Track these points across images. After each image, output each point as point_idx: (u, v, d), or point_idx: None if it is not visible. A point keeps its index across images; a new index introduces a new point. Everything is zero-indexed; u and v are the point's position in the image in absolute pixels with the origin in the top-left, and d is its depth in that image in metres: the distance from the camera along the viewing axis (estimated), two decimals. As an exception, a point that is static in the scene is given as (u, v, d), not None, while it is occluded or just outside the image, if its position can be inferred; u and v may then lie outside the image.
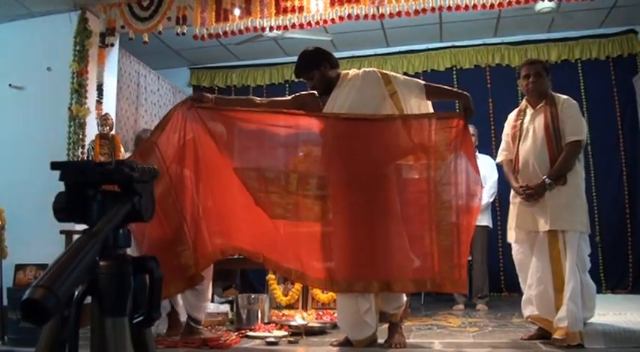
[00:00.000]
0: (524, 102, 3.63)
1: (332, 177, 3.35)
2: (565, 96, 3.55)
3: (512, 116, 3.68)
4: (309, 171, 3.37)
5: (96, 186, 0.97)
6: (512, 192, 3.61)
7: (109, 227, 0.90)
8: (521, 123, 3.54)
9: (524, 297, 3.49)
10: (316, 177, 3.35)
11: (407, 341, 3.48)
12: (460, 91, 3.44)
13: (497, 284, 6.04)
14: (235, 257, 4.36)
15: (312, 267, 3.31)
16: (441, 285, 3.24)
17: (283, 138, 3.49)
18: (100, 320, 0.88)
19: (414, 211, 3.29)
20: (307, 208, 3.31)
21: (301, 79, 3.52)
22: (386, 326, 3.54)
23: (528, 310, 3.46)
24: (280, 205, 3.33)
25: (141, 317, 0.93)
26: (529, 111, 3.56)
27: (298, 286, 4.49)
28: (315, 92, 3.49)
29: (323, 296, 4.45)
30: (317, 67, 3.40)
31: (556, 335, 3.19)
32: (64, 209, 0.94)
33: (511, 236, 3.60)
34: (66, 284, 0.72)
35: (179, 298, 3.77)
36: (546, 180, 3.38)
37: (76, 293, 0.87)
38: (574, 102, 3.52)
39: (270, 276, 4.62)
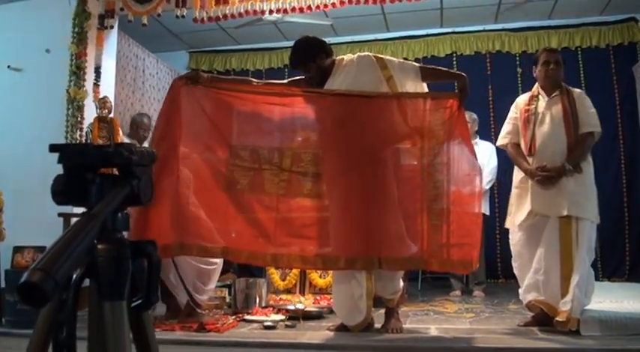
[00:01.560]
0: (536, 89, 3.61)
1: (328, 159, 3.37)
2: (579, 90, 3.60)
3: (522, 100, 3.64)
4: (305, 151, 3.39)
5: (95, 169, 0.96)
6: (517, 177, 3.58)
7: (107, 210, 0.89)
8: (535, 108, 3.51)
9: (527, 282, 3.46)
10: (311, 156, 3.36)
11: (403, 326, 3.51)
12: (456, 72, 3.44)
13: (494, 271, 6.05)
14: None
15: (299, 246, 3.33)
16: (427, 263, 3.28)
17: (280, 122, 3.49)
18: (98, 303, 0.87)
19: (406, 190, 3.32)
20: (301, 186, 3.33)
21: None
22: (383, 311, 3.56)
23: (531, 295, 3.45)
24: (274, 183, 3.34)
25: (139, 301, 0.93)
26: (543, 98, 3.55)
27: (296, 271, 4.50)
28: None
29: (320, 281, 4.46)
30: (313, 59, 3.37)
31: (558, 318, 3.21)
32: (62, 191, 0.93)
33: (510, 222, 3.60)
34: (64, 268, 0.71)
35: (176, 281, 3.77)
36: (566, 165, 3.38)
37: (74, 276, 0.86)
38: (587, 97, 3.56)
39: (268, 261, 4.62)
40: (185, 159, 3.32)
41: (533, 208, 3.44)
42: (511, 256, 3.63)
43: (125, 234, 0.97)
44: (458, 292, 5.26)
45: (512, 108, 3.69)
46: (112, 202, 0.91)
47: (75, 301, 0.86)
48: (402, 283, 3.59)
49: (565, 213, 3.33)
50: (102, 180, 0.95)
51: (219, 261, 3.84)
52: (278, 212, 3.35)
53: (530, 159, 3.52)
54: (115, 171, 0.98)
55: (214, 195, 3.37)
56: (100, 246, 0.89)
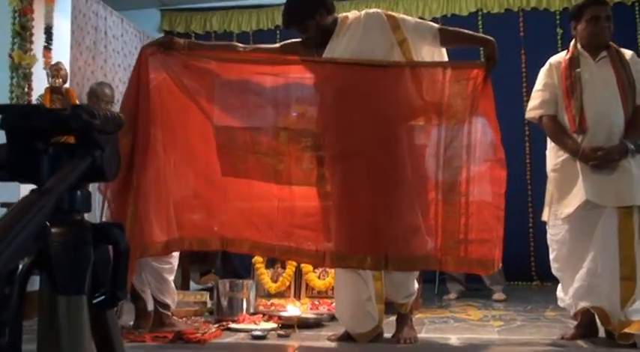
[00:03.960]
0: (575, 49, 3.49)
1: (330, 140, 3.38)
2: (630, 51, 3.51)
3: (558, 63, 3.52)
4: (303, 130, 3.42)
5: (47, 137, 0.93)
6: (556, 158, 3.48)
7: (63, 185, 0.87)
8: (580, 73, 3.40)
9: (577, 285, 3.36)
10: (311, 137, 3.39)
11: (418, 335, 3.52)
12: (483, 36, 3.42)
13: (527, 271, 6.10)
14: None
15: (302, 238, 3.39)
16: (441, 262, 3.31)
17: (272, 94, 3.50)
18: (50, 299, 0.86)
19: (419, 176, 3.35)
20: (301, 171, 3.38)
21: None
22: (394, 318, 3.58)
23: (584, 301, 3.34)
24: (270, 167, 3.39)
25: (102, 297, 0.92)
26: (587, 61, 3.44)
27: (290, 271, 4.51)
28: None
29: (319, 282, 4.46)
30: (312, 16, 3.35)
31: (629, 330, 3.15)
32: (5, 165, 0.91)
33: (550, 214, 3.52)
34: (5, 255, 0.70)
35: (146, 282, 3.77)
36: (629, 144, 3.30)
37: (20, 266, 0.85)
38: None
39: (257, 259, 4.62)
40: (164, 146, 3.39)
41: (587, 197, 3.31)
42: (548, 254, 3.59)
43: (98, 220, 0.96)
44: (452, 295, 5.37)
45: (545, 72, 3.57)
46: (68, 176, 0.89)
47: (20, 297, 0.84)
48: (416, 285, 3.60)
49: (628, 202, 3.26)
50: (56, 150, 0.93)
51: (174, 262, 3.84)
52: (279, 200, 3.42)
53: (577, 137, 3.39)
54: (73, 140, 0.95)
55: (207, 184, 3.50)
56: (53, 230, 0.87)
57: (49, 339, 0.86)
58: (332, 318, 4.04)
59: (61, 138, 0.96)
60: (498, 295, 5.24)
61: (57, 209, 0.87)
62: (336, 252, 3.28)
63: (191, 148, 3.54)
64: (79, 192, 0.94)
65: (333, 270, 4.15)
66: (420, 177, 3.35)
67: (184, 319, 4.16)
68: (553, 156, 3.52)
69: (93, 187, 3.67)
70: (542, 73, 3.59)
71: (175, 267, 3.94)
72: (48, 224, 0.86)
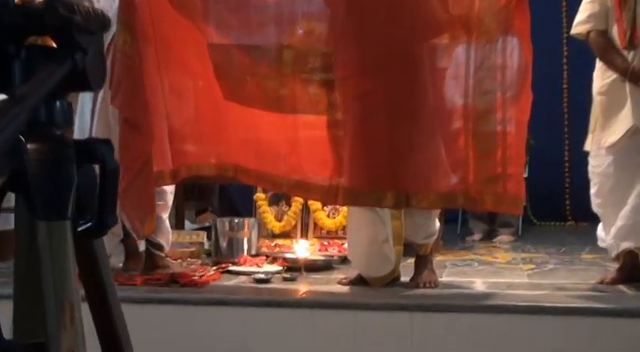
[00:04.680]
0: None
1: (342, 60, 3.32)
2: None
3: None
4: (310, 49, 3.39)
5: (18, 38, 0.89)
6: (603, 79, 3.45)
7: (38, 93, 0.83)
8: None
9: (621, 223, 3.37)
10: (320, 56, 3.34)
11: (439, 279, 3.53)
12: None
13: (561, 210, 6.13)
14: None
15: (311, 173, 3.39)
16: (476, 201, 3.29)
17: (275, 9, 3.46)
18: (28, 226, 0.83)
19: (444, 103, 3.32)
20: (307, 96, 3.37)
21: None
22: (412, 261, 3.60)
23: (628, 241, 3.36)
24: (271, 92, 3.38)
25: (88, 224, 0.88)
26: None
27: (296, 208, 4.50)
28: None
29: (329, 221, 4.46)
30: None
31: None
32: (-33, 73, 0.87)
33: (594, 142, 3.49)
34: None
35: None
36: None
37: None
38: None
39: (259, 195, 4.62)
40: (159, 66, 3.40)
41: (635, 123, 3.29)
42: (584, 192, 3.59)
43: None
44: (476, 236, 5.43)
45: None
46: (45, 83, 0.85)
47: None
48: (437, 224, 3.59)
49: None
50: (30, 53, 0.90)
51: (168, 199, 3.84)
52: (283, 130, 3.42)
53: (628, 54, 3.35)
54: (50, 42, 0.91)
55: (208, 108, 3.52)
56: (29, 146, 0.85)
57: (27, 273, 0.84)
58: (343, 260, 4.07)
59: (36, 39, 0.92)
60: (503, 237, 5.32)
61: (33, 122, 0.85)
62: (350, 188, 3.27)
63: (189, 68, 3.53)
64: (58, 103, 0.91)
65: (344, 208, 4.17)
66: (444, 104, 3.32)
67: (179, 261, 4.17)
68: (600, 77, 3.49)
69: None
70: None
71: (170, 205, 3.93)
72: (23, 139, 0.85)
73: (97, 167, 0.90)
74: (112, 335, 0.93)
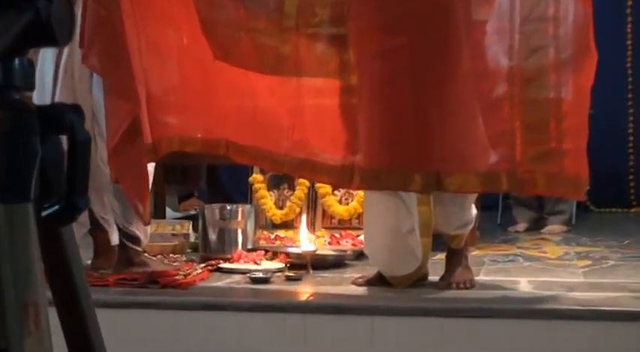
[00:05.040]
0: None
1: (357, 11, 3.33)
2: None
3: None
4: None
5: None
6: None
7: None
8: None
9: None
10: (329, 6, 3.35)
11: (475, 278, 3.55)
12: None
13: (623, 194, 6.16)
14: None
15: (319, 149, 3.40)
16: (524, 183, 3.28)
17: None
18: None
19: (483, 64, 3.32)
20: (314, 56, 3.38)
21: None
22: (442, 256, 3.61)
23: None
24: (270, 51, 3.39)
25: (55, 207, 0.88)
26: None
27: (301, 193, 4.52)
28: None
29: (341, 208, 4.48)
30: None
31: None
32: None
33: None
34: None
35: (109, 206, 3.80)
36: None
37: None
38: None
39: (256, 177, 4.63)
40: (135, 21, 3.38)
41: None
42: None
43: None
44: (522, 225, 5.46)
45: None
46: (1, 36, 0.85)
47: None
48: (473, 212, 3.60)
49: None
50: None
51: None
52: (285, 96, 3.45)
53: None
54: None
55: (195, 71, 3.55)
56: None
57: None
58: (358, 256, 4.08)
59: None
60: (554, 227, 5.36)
61: (-15, 84, 0.85)
62: (368, 168, 3.27)
63: (172, 22, 3.52)
64: (17, 61, 0.90)
65: (359, 192, 4.20)
66: (484, 65, 3.32)
67: (159, 257, 4.20)
68: None
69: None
70: None
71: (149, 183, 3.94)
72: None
73: (64, 139, 0.90)
74: (84, 343, 0.93)
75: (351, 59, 3.33)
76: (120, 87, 3.33)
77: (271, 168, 4.18)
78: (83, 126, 0.91)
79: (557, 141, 3.21)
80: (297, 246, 4.19)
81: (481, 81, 3.29)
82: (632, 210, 6.15)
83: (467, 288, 3.42)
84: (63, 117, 0.89)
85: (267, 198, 4.63)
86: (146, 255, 3.95)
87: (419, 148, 3.22)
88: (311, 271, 3.83)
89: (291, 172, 3.94)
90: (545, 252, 4.44)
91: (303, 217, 4.49)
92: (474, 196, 3.60)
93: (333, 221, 4.55)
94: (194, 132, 3.63)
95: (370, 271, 3.59)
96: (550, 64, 3.24)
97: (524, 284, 3.54)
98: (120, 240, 3.80)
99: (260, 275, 3.67)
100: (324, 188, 4.43)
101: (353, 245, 4.29)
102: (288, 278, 3.72)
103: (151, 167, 3.80)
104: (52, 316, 0.87)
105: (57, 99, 3.60)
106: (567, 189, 3.34)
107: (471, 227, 3.60)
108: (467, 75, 3.25)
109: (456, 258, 3.54)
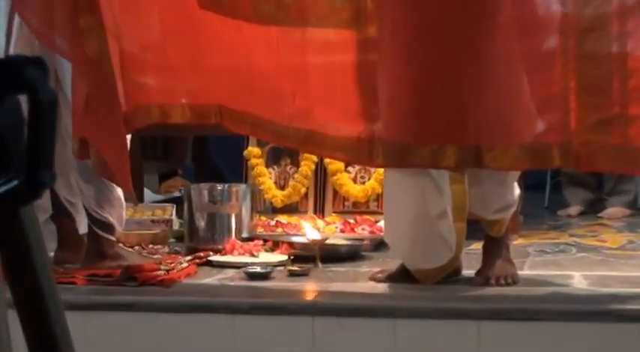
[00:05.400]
0: None
1: None
2: None
3: None
4: None
5: None
6: None
7: None
8: None
9: None
10: None
11: (519, 273, 3.54)
12: None
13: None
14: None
15: (330, 118, 3.41)
16: (581, 157, 3.25)
17: None
18: None
19: (529, 12, 3.31)
20: (323, 2, 3.38)
21: None
22: (478, 245, 3.64)
23: None
24: None
25: (13, 183, 0.87)
26: None
27: (307, 169, 4.53)
28: None
29: (356, 188, 4.48)
30: None
31: None
32: None
33: None
34: None
35: (76, 188, 3.81)
36: None
37: None
38: None
39: (252, 150, 4.63)
40: None
41: None
42: None
43: None
44: (575, 208, 5.47)
45: None
46: None
47: None
48: (517, 192, 3.61)
49: None
50: None
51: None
52: (287, 51, 3.45)
53: None
54: None
55: (177, 24, 3.57)
56: None
57: None
58: (377, 246, 4.09)
59: None
60: (615, 210, 5.37)
61: None
62: (390, 140, 3.26)
63: None
64: None
65: (377, 169, 4.21)
66: (531, 13, 3.30)
67: (137, 248, 4.21)
68: None
69: None
70: None
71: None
72: None
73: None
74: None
75: (368, 5, 3.33)
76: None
77: (273, 140, 4.17)
78: (48, 84, 0.89)
79: (621, 106, 3.19)
80: (302, 235, 4.20)
81: (527, 32, 3.28)
82: None
83: (508, 285, 3.42)
84: (21, 72, 0.88)
85: (265, 177, 4.63)
86: (121, 245, 3.97)
87: (453, 115, 3.23)
88: (320, 265, 3.84)
89: (296, 146, 3.95)
90: (603, 241, 4.45)
91: (310, 199, 4.51)
92: (517, 174, 3.61)
93: (347, 203, 4.56)
94: (178, 97, 3.63)
95: (392, 264, 3.61)
96: (613, 11, 3.20)
97: (578, 280, 3.54)
98: (89, 228, 3.80)
99: (258, 269, 3.69)
100: (335, 163, 4.43)
101: (371, 232, 4.29)
102: (292, 274, 3.72)
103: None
104: (13, 320, 0.87)
105: (11, 52, 3.60)
106: (632, 164, 3.34)
107: (513, 210, 3.60)
108: (509, 24, 3.23)
109: (495, 248, 3.55)
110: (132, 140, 4.00)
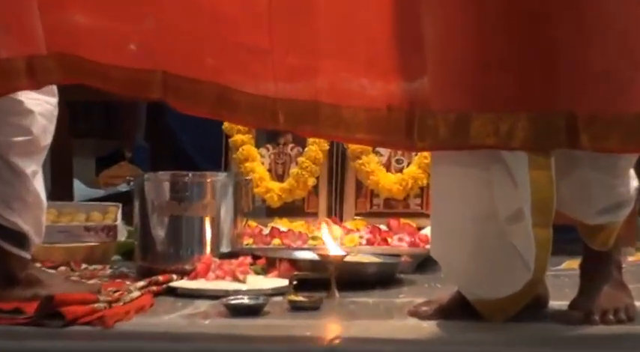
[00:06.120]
0: None
1: None
2: None
3: None
4: None
5: None
6: None
7: None
8: None
9: None
10: None
11: (636, 304, 3.56)
12: None
13: None
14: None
15: (344, 80, 3.44)
16: None
17: None
18: None
19: None
20: None
21: None
22: (573, 263, 3.67)
23: None
24: None
25: None
26: None
27: (316, 150, 4.49)
28: None
29: (389, 178, 4.45)
30: None
31: None
32: None
33: None
34: None
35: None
36: None
37: None
38: None
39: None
40: None
41: None
42: None
43: None
44: None
45: None
46: None
47: None
48: (633, 184, 3.62)
49: None
50: None
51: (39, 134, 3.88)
52: None
53: None
54: None
55: None
56: None
57: None
58: (421, 265, 4.11)
59: None
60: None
61: None
62: (442, 108, 3.27)
63: None
64: None
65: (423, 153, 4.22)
66: None
67: (64, 269, 4.26)
68: None
69: None
70: None
71: (42, 145, 3.97)
72: None
73: None
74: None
75: None
76: None
77: (254, 122, 4.10)
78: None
79: None
80: (310, 248, 4.20)
81: None
82: None
83: (621, 322, 3.41)
84: None
85: (256, 161, 4.62)
86: (39, 266, 3.95)
87: (534, 70, 3.22)
88: (337, 293, 3.87)
89: (291, 128, 3.88)
90: None
91: (322, 195, 4.49)
92: (633, 159, 3.60)
93: (376, 201, 4.54)
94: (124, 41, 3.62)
95: (442, 292, 3.63)
96: None
97: None
98: None
99: (245, 301, 3.70)
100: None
101: (411, 245, 4.30)
102: (296, 307, 3.74)
103: (43, 107, 3.81)
104: None
105: None
106: None
107: (627, 212, 3.58)
108: None
109: (599, 267, 3.57)
110: (59, 109, 4.01)
